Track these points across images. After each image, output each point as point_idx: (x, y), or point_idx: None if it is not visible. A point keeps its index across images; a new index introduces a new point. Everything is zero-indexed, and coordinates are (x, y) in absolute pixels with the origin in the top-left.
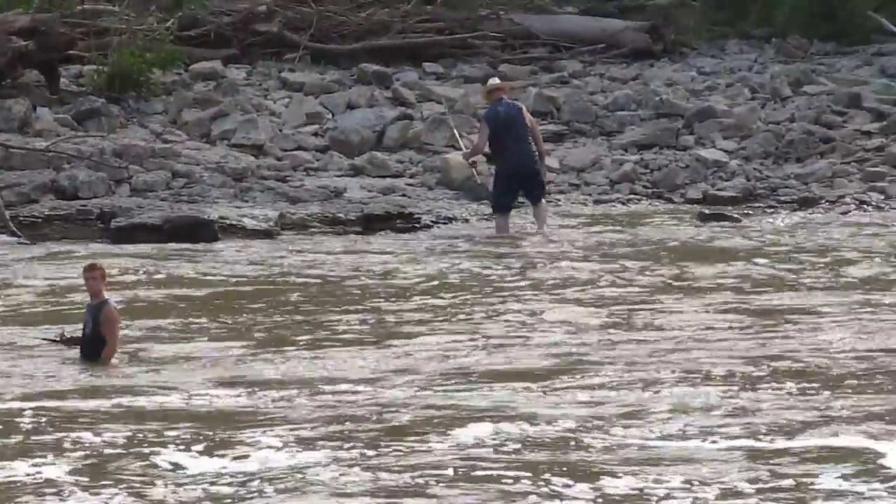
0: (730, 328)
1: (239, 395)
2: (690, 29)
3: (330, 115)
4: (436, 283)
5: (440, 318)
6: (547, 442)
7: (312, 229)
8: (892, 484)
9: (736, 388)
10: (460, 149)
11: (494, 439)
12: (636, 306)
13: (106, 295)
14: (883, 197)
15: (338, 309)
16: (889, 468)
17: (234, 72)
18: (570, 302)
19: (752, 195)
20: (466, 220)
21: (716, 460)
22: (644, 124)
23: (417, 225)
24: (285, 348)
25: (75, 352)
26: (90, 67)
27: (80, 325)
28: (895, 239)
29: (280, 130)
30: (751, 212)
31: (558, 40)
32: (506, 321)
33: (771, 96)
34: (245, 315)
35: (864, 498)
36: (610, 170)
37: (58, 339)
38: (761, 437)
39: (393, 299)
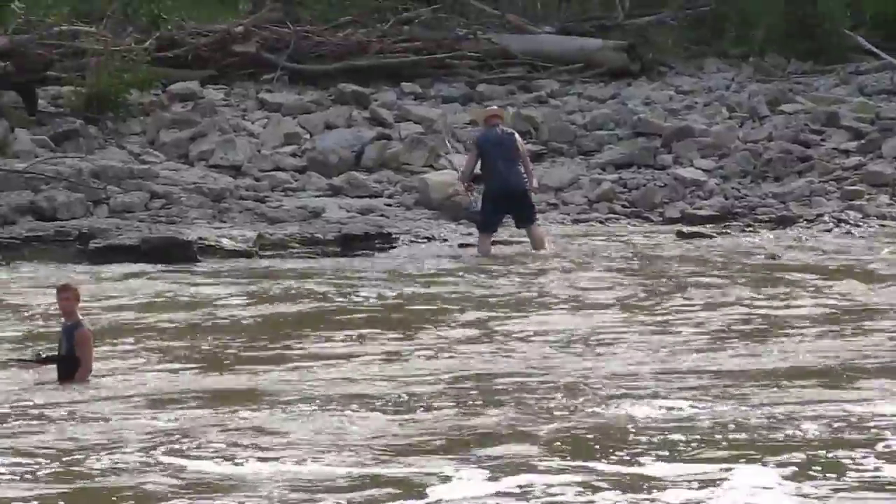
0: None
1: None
2: (668, 48)
3: (308, 136)
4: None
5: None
6: None
7: (291, 249)
8: None
9: None
10: (455, 170)
11: None
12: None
13: (79, 315)
14: (861, 215)
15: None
16: None
17: (212, 92)
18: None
19: (730, 214)
20: (445, 240)
21: None
22: (622, 143)
23: (395, 245)
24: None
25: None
26: (68, 88)
27: (56, 345)
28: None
29: (258, 151)
30: (729, 230)
31: (536, 60)
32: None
33: (749, 115)
34: (207, 338)
35: None
36: (588, 189)
37: (34, 359)
38: None
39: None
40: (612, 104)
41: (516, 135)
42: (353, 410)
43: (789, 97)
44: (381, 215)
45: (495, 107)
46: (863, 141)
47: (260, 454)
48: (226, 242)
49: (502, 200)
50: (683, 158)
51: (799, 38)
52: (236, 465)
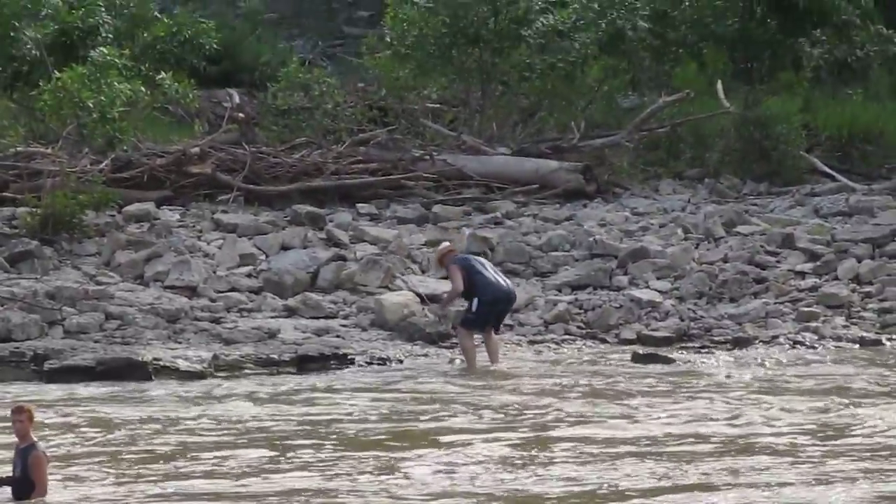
0: None
1: None
2: (623, 169)
3: (263, 256)
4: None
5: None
6: None
7: (246, 370)
8: None
9: None
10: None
11: None
12: None
13: (33, 437)
14: (817, 337)
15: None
16: None
17: (168, 213)
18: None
19: (685, 335)
20: (401, 361)
21: None
22: (578, 265)
23: (352, 366)
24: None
25: (6, 493)
26: (23, 209)
27: (10, 468)
28: None
29: (214, 272)
30: (684, 352)
31: (492, 181)
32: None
33: (704, 236)
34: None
35: None
36: (544, 310)
37: None
38: None
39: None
40: (568, 225)
41: None
42: None
43: (745, 218)
44: (337, 336)
45: (446, 243)
46: (818, 262)
47: None
48: (181, 363)
49: (500, 304)
50: (639, 279)
51: (754, 160)
52: None
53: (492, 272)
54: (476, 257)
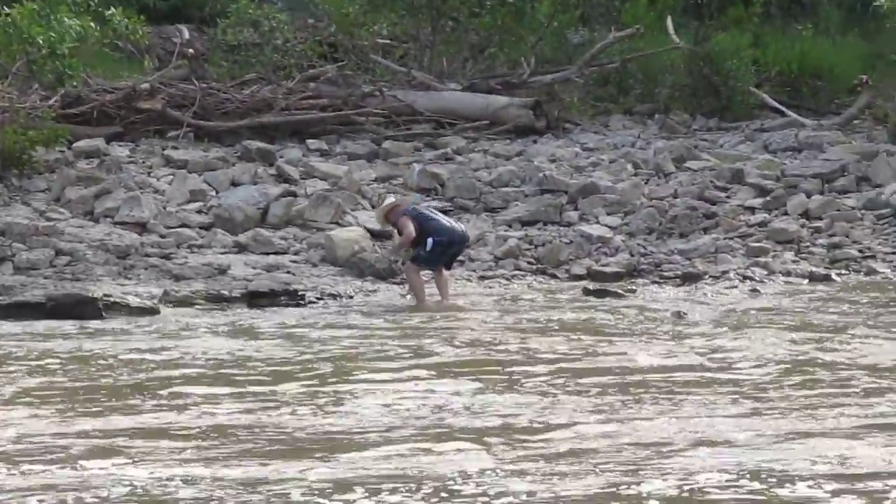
0: None
1: None
2: (573, 105)
3: (214, 193)
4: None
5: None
6: None
7: (196, 306)
8: None
9: None
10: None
11: None
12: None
13: None
14: (766, 272)
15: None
16: None
17: (118, 149)
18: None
19: (635, 271)
20: (351, 297)
21: None
22: (528, 200)
23: (302, 302)
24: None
25: None
26: None
27: None
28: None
29: (164, 208)
30: (635, 287)
31: (442, 117)
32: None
33: (654, 172)
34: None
35: None
36: (494, 246)
37: None
38: None
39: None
40: (518, 161)
41: None
42: None
43: (694, 154)
44: (288, 272)
45: (390, 198)
46: (768, 198)
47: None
48: (131, 299)
49: (454, 247)
50: (589, 215)
51: (704, 96)
52: None
53: (444, 218)
54: (426, 207)
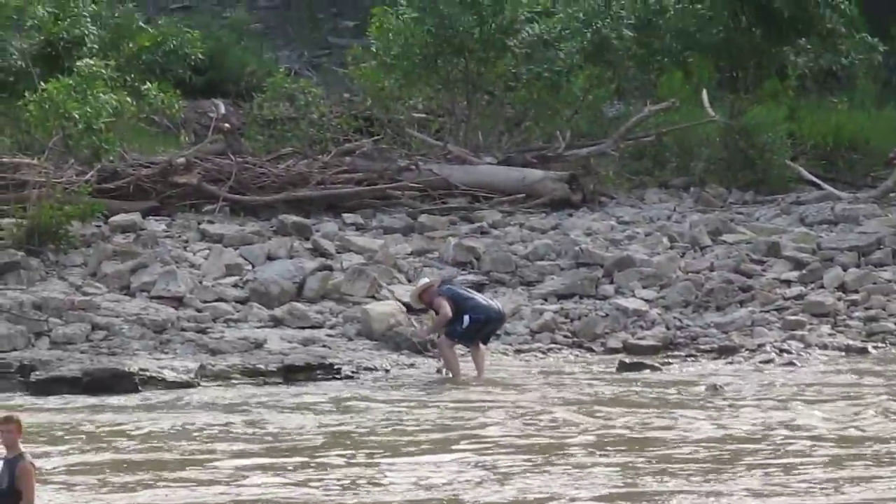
0: None
1: None
2: (609, 178)
3: (250, 267)
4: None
5: None
6: None
7: (233, 380)
8: None
9: None
10: None
11: None
12: None
13: (22, 448)
14: (802, 346)
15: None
16: None
17: (154, 224)
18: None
19: (672, 344)
20: (387, 371)
21: None
22: (564, 274)
23: (338, 376)
24: None
25: None
26: (9, 221)
27: None
28: None
29: (200, 282)
30: (671, 361)
31: (477, 190)
32: None
33: (690, 245)
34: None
35: None
36: (530, 319)
37: None
38: None
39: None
40: (554, 234)
41: None
42: None
43: (730, 227)
44: (324, 346)
45: (424, 279)
46: (804, 271)
47: None
48: (167, 373)
49: (491, 325)
50: (625, 288)
51: (739, 169)
52: None
53: (480, 296)
54: (460, 285)
